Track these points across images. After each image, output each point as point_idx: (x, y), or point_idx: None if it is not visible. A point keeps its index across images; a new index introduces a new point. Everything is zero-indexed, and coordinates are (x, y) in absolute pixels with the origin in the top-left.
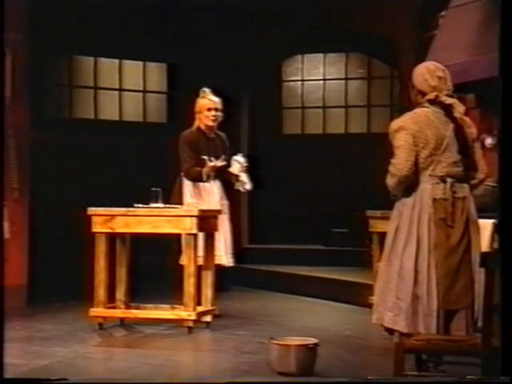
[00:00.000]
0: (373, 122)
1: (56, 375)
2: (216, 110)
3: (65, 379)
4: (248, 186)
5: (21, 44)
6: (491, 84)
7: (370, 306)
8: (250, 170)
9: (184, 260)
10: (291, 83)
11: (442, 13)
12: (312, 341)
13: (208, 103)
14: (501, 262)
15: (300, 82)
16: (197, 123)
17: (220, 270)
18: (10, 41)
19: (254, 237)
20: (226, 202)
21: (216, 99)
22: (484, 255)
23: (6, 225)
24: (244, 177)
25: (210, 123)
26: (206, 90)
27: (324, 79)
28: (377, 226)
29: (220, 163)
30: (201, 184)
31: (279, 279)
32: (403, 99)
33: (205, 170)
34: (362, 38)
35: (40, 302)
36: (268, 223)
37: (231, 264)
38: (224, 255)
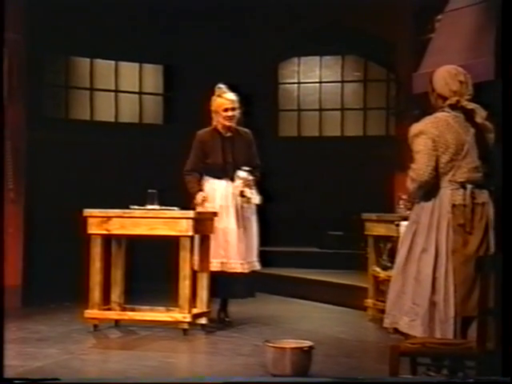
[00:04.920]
0: (369, 125)
1: (51, 376)
2: (233, 109)
3: (57, 379)
4: (256, 201)
5: (18, 44)
6: (487, 87)
7: (364, 308)
8: (259, 182)
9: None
10: (287, 86)
11: (439, 16)
12: (307, 343)
13: (224, 103)
14: (499, 265)
15: (296, 85)
16: (214, 123)
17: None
18: (7, 41)
19: None
20: (250, 206)
21: (233, 97)
22: (480, 259)
23: None
24: (248, 192)
25: (227, 123)
26: (222, 86)
27: (320, 82)
28: (372, 228)
29: (202, 201)
30: (215, 186)
31: (274, 281)
32: (399, 102)
33: (197, 197)
34: (358, 41)
35: (35, 304)
36: (263, 226)
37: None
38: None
